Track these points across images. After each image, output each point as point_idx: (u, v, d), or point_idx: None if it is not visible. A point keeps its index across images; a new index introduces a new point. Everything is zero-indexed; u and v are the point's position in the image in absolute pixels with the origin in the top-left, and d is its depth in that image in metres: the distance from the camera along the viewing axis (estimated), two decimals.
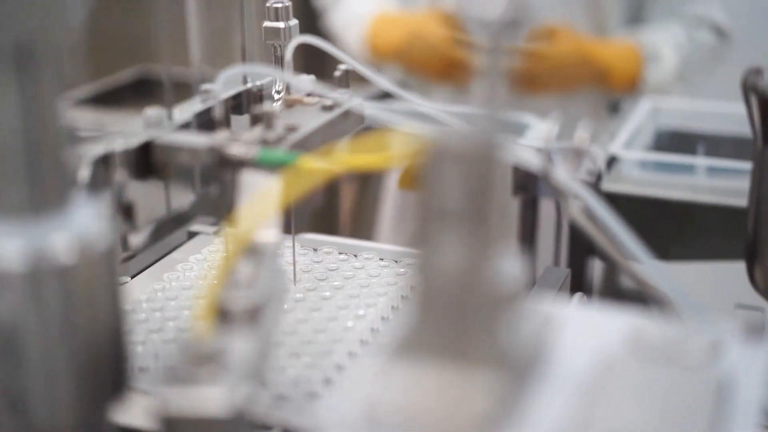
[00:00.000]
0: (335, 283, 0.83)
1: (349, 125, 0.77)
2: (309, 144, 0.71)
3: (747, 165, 1.10)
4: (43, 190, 0.51)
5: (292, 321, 0.77)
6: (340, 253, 0.90)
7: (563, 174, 0.64)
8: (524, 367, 0.46)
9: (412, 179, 1.06)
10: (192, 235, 0.96)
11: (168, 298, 0.82)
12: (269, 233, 0.59)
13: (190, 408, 0.48)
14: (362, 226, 1.70)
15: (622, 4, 1.63)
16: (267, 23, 0.79)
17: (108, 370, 0.55)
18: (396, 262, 0.88)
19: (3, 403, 0.51)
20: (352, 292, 0.82)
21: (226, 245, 0.58)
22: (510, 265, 0.46)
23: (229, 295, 0.54)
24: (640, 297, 1.30)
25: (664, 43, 1.59)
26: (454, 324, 0.45)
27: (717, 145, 1.20)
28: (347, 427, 0.44)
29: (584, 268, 1.09)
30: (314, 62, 0.94)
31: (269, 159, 0.63)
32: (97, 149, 0.64)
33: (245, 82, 0.79)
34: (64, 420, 0.52)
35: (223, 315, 0.54)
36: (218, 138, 0.65)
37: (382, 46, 1.68)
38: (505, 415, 0.44)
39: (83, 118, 1.30)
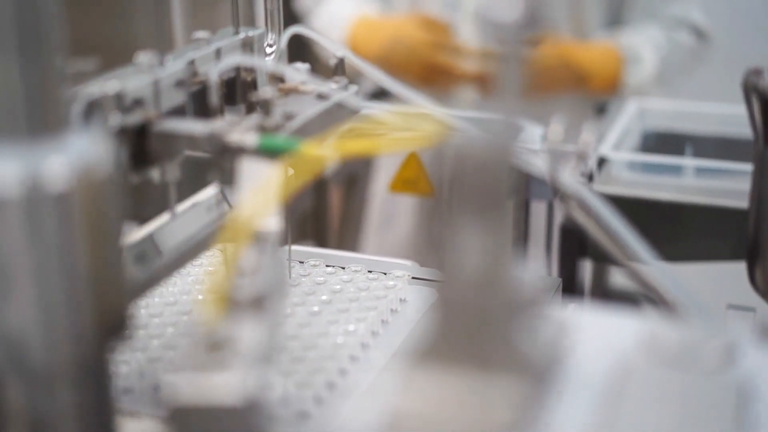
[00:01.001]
0: (323, 297, 0.81)
1: (345, 113, 0.76)
2: (307, 132, 0.69)
3: (736, 165, 1.10)
4: (40, 112, 0.49)
5: (281, 337, 0.75)
6: (327, 266, 0.87)
7: (568, 177, 0.64)
8: (544, 373, 0.46)
9: (404, 183, 1.06)
10: None
11: (167, 303, 0.80)
12: (271, 221, 0.58)
13: (201, 396, 0.47)
14: (348, 232, 1.69)
15: (601, 7, 1.63)
16: None
17: (107, 305, 0.52)
18: (385, 274, 0.85)
19: None
20: (341, 306, 0.80)
21: (229, 234, 0.57)
22: (527, 270, 0.45)
23: (235, 283, 0.53)
24: (630, 298, 1.30)
25: (643, 45, 1.59)
26: (475, 331, 0.44)
27: (704, 145, 1.20)
28: None
29: (575, 270, 1.09)
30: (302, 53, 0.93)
31: (270, 146, 0.62)
32: (90, 90, 0.62)
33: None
34: (61, 357, 0.50)
35: (230, 303, 0.52)
36: (217, 125, 0.63)
37: (363, 50, 1.67)
38: (529, 422, 0.43)
39: None
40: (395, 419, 0.44)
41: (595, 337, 0.52)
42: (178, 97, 0.70)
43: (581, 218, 0.63)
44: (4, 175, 0.48)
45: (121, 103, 0.63)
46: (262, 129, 0.65)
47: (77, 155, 0.50)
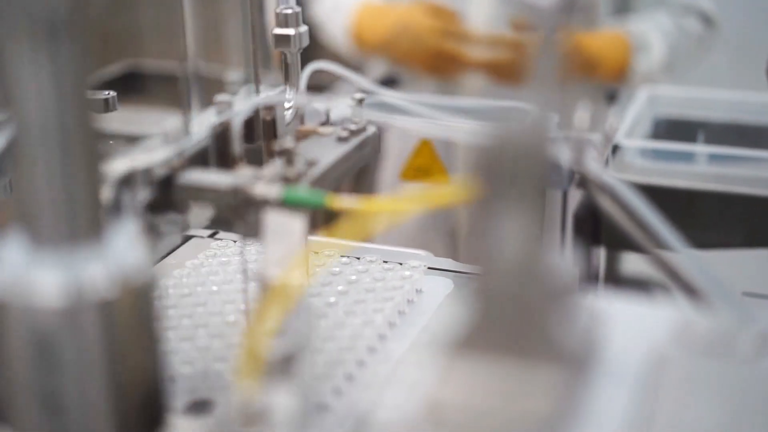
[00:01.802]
0: (339, 288, 0.80)
1: (365, 154, 0.75)
2: (328, 177, 0.68)
3: (750, 152, 1.10)
4: (78, 219, 0.50)
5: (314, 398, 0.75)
6: (342, 256, 0.87)
7: (594, 164, 0.63)
8: (581, 362, 0.45)
9: (416, 171, 1.05)
10: (187, 238, 0.93)
11: (167, 306, 0.79)
12: (295, 275, 0.58)
13: None
14: None
15: None
16: (277, 30, 0.76)
17: (146, 404, 0.53)
18: (400, 264, 0.84)
19: None
20: (358, 297, 0.79)
21: (260, 294, 0.57)
22: (562, 258, 0.45)
23: (266, 345, 0.53)
24: (642, 285, 1.29)
25: (652, 32, 1.58)
26: (514, 321, 0.43)
27: (715, 132, 1.19)
28: (409, 426, 0.43)
29: (589, 258, 1.08)
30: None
31: (295, 199, 0.61)
32: (119, 167, 0.62)
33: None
34: None
35: (263, 367, 0.53)
36: (241, 177, 0.63)
37: (368, 37, 1.66)
38: (568, 412, 0.42)
39: None
40: (434, 409, 0.43)
41: (626, 326, 0.51)
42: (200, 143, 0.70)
43: (607, 206, 0.62)
44: (46, 285, 0.49)
45: (150, 177, 0.63)
46: (285, 179, 0.64)
47: (117, 261, 0.50)
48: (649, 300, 0.54)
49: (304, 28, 0.77)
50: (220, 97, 0.71)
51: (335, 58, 1.84)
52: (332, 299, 0.79)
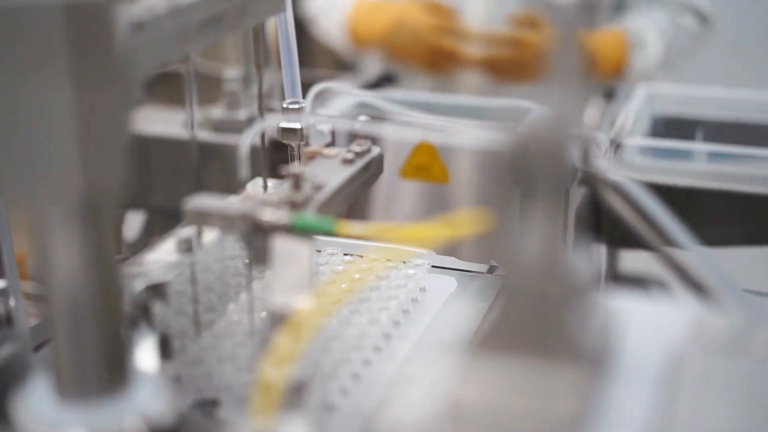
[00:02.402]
0: (343, 286, 0.81)
1: (369, 177, 0.75)
2: (335, 201, 0.68)
3: (750, 150, 1.09)
4: (104, 373, 0.52)
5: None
6: (344, 254, 0.86)
7: (603, 162, 0.63)
8: (600, 361, 0.45)
9: (415, 169, 1.04)
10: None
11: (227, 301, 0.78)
12: (303, 301, 0.58)
13: None
14: (353, 218, 1.68)
15: None
16: (284, 123, 0.77)
17: None
18: (404, 262, 0.84)
19: None
20: (362, 295, 0.78)
21: (271, 323, 0.57)
22: (581, 256, 0.44)
23: (282, 379, 0.53)
24: (640, 282, 1.29)
25: (648, 30, 1.58)
26: (536, 319, 0.43)
27: (713, 130, 1.19)
28: (431, 425, 0.42)
29: (590, 254, 1.08)
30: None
31: (304, 225, 0.61)
32: (137, 285, 0.65)
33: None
34: None
35: (278, 400, 0.53)
36: (249, 204, 0.63)
37: (364, 33, 1.65)
38: (591, 411, 0.42)
39: None
40: (456, 408, 0.43)
41: (641, 325, 0.51)
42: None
43: (616, 203, 0.62)
44: None
45: (163, 293, 0.66)
46: (292, 203, 0.64)
47: (143, 411, 0.52)
48: (663, 298, 0.54)
49: (310, 121, 0.78)
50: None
51: (327, 55, 1.83)
52: (337, 298, 0.78)
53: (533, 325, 0.43)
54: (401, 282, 0.81)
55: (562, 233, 0.43)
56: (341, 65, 1.83)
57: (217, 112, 1.19)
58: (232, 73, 1.22)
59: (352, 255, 0.86)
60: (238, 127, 1.18)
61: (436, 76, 1.59)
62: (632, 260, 1.28)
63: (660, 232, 0.60)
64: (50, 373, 0.53)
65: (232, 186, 0.95)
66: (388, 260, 0.85)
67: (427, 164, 1.06)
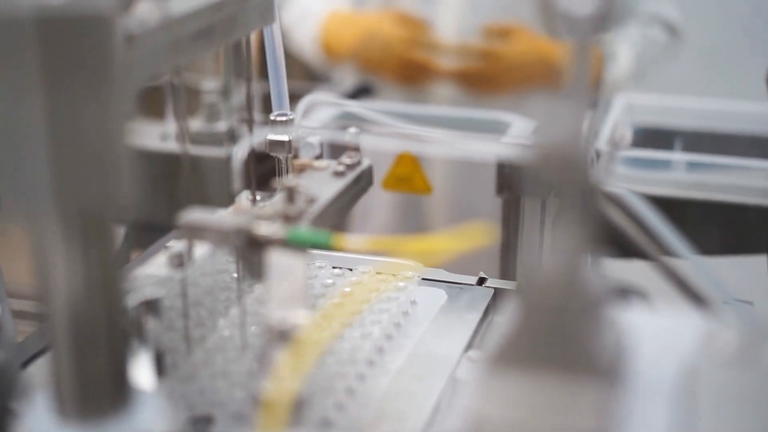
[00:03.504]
0: (335, 300, 0.79)
1: (359, 189, 0.74)
2: (328, 213, 0.68)
3: (728, 160, 1.10)
4: (104, 393, 0.51)
5: None
6: (333, 267, 0.85)
7: (600, 173, 0.62)
8: (618, 376, 0.44)
9: (397, 181, 1.03)
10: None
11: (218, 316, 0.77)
12: (299, 315, 0.58)
13: None
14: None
15: None
16: (271, 136, 0.76)
17: None
18: (394, 276, 0.83)
19: None
20: (354, 308, 0.77)
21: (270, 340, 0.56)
22: (597, 270, 0.44)
23: (289, 398, 0.52)
24: (622, 292, 1.29)
25: (618, 42, 1.59)
26: (556, 334, 0.42)
27: (692, 140, 1.19)
28: None
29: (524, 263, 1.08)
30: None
31: (300, 239, 0.60)
32: (129, 301, 0.64)
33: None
34: None
35: (286, 419, 0.52)
36: (244, 218, 0.62)
37: (336, 45, 1.65)
38: (610, 426, 0.42)
39: None
40: (477, 424, 0.42)
41: (652, 338, 0.51)
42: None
43: (612, 213, 0.62)
44: None
45: (156, 309, 0.66)
46: (286, 217, 0.63)
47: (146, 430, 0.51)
48: (670, 310, 0.53)
49: (295, 134, 0.77)
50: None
51: (300, 67, 1.82)
52: (329, 312, 0.77)
53: (553, 341, 0.42)
54: (392, 295, 0.80)
55: (582, 247, 0.42)
56: (315, 77, 1.83)
57: (196, 124, 1.18)
58: (210, 84, 1.21)
59: (341, 268, 0.85)
60: (217, 139, 1.16)
61: (408, 87, 1.58)
62: (615, 270, 1.28)
63: (657, 242, 0.60)
64: (50, 391, 0.51)
65: (213, 198, 0.94)
66: (378, 273, 0.84)
67: (409, 175, 1.05)
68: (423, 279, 0.85)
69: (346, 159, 0.74)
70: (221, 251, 0.76)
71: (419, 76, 1.56)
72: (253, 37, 0.82)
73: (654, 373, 0.48)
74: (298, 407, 0.54)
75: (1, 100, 0.45)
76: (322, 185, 0.70)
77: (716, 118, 1.22)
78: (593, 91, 1.56)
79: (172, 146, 1.18)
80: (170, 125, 1.20)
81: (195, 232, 0.62)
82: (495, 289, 0.84)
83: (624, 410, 0.44)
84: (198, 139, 1.16)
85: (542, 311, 0.43)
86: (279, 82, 0.78)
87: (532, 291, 0.43)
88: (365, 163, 0.75)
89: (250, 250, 0.61)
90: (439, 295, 0.83)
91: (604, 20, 0.41)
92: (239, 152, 0.70)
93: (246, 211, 0.64)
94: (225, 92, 1.21)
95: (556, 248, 0.42)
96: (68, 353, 0.50)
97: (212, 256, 0.77)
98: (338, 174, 0.72)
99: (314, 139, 0.77)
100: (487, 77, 1.54)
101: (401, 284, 0.82)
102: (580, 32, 0.41)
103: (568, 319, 0.42)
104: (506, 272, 1.11)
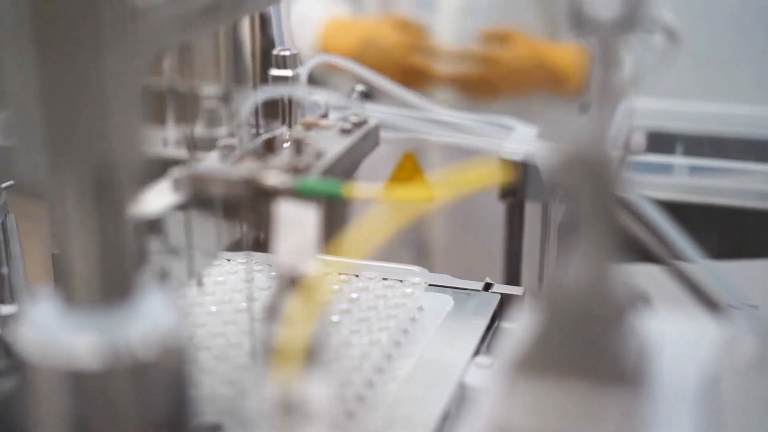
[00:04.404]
0: (342, 306, 0.78)
1: (367, 146, 0.73)
2: (334, 169, 0.66)
3: (730, 164, 1.10)
4: (116, 280, 0.48)
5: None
6: (339, 273, 0.84)
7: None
8: (643, 383, 0.43)
9: (398, 189, 1.02)
10: None
11: (225, 321, 0.76)
12: (312, 265, 0.56)
13: None
14: (331, 235, 1.66)
15: None
16: (275, 71, 0.75)
17: None
18: (401, 281, 0.83)
19: None
20: (361, 315, 0.76)
21: (282, 285, 0.55)
22: (622, 275, 0.43)
23: (303, 336, 0.51)
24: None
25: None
26: (582, 341, 0.41)
27: (693, 144, 1.19)
28: None
29: (548, 270, 1.07)
30: None
31: (310, 189, 0.59)
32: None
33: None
34: None
35: (301, 357, 0.51)
36: (252, 168, 0.61)
37: (335, 51, 1.64)
38: None
39: None
40: (501, 431, 0.41)
41: (672, 343, 0.50)
42: None
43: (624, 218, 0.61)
44: (82, 347, 0.47)
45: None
46: (294, 169, 0.62)
47: (153, 323, 0.49)
48: (688, 316, 0.53)
49: (302, 70, 0.76)
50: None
51: None
52: (335, 318, 0.76)
53: (579, 347, 0.42)
54: (399, 301, 0.79)
55: (609, 254, 0.41)
56: (313, 82, 1.81)
57: (196, 129, 1.17)
58: (210, 90, 1.20)
59: (347, 274, 0.84)
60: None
61: (409, 89, 1.57)
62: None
63: (666, 245, 0.59)
64: (57, 281, 0.50)
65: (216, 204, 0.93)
66: (384, 279, 0.83)
67: (412, 180, 1.04)
68: (430, 285, 0.84)
69: (352, 117, 0.73)
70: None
71: (418, 82, 1.55)
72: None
73: (675, 379, 0.47)
74: (312, 352, 0.52)
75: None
76: (329, 142, 0.69)
77: (716, 121, 1.22)
78: (586, 95, 1.56)
79: (172, 152, 1.17)
80: (171, 131, 1.19)
81: (202, 184, 0.61)
82: (501, 294, 0.83)
83: (649, 417, 0.43)
84: (198, 144, 1.15)
85: (568, 318, 0.42)
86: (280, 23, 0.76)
87: (558, 298, 0.42)
88: (372, 121, 0.74)
89: (259, 201, 0.60)
90: (446, 300, 0.82)
91: (629, 23, 0.40)
92: (250, 102, 0.69)
93: (253, 161, 0.63)
94: (225, 98, 1.20)
95: (581, 255, 0.41)
96: (76, 235, 0.47)
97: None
98: (345, 131, 0.72)
99: (320, 98, 0.76)
100: (485, 82, 1.54)
101: (408, 290, 0.81)
102: (605, 36, 0.40)
103: (595, 325, 0.41)
104: (510, 277, 1.10)
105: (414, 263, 1.53)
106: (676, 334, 0.50)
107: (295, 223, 0.57)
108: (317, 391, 0.49)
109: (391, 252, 1.63)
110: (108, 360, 0.47)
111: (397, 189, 0.57)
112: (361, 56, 1.57)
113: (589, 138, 0.40)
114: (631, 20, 0.40)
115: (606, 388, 0.41)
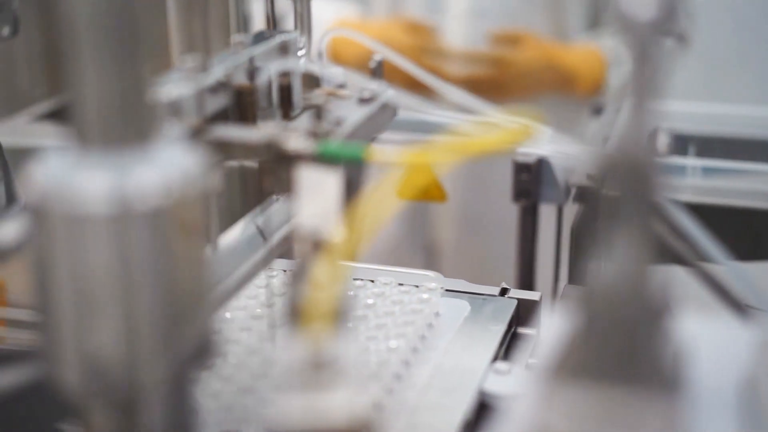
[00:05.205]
0: (358, 312, 0.76)
1: (384, 118, 0.72)
2: (354, 137, 0.65)
3: (745, 165, 1.07)
4: (134, 120, 0.44)
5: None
6: (355, 279, 0.83)
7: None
8: (682, 387, 0.41)
9: (411, 189, 1.00)
10: None
11: (242, 328, 0.74)
12: (336, 230, 0.54)
13: (313, 418, 0.45)
14: None
15: (582, 9, 1.60)
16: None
17: (194, 326, 0.47)
18: (416, 287, 0.81)
19: (80, 359, 0.44)
20: (378, 321, 0.75)
21: (307, 249, 0.53)
22: (662, 277, 0.41)
23: (332, 297, 0.49)
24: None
25: (624, 48, 1.56)
26: (622, 344, 0.39)
27: (705, 145, 1.16)
28: None
29: (587, 273, 1.05)
30: None
31: (331, 153, 0.57)
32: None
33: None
34: (146, 379, 0.45)
35: (330, 317, 0.49)
36: (273, 132, 0.59)
37: (344, 53, 1.62)
38: None
39: (43, 133, 1.22)
40: None
41: (707, 347, 0.48)
42: (212, 104, 0.64)
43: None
44: (93, 188, 0.43)
45: (177, 110, 0.58)
46: (314, 135, 0.60)
47: (169, 168, 0.45)
48: (719, 318, 0.50)
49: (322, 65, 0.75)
50: (237, 38, 0.68)
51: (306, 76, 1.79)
52: (351, 324, 0.74)
53: (619, 351, 0.40)
54: (416, 307, 0.77)
55: (649, 256, 0.40)
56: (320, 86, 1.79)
57: None
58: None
59: (362, 279, 0.82)
60: None
61: (417, 95, 1.55)
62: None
63: (693, 247, 0.57)
64: (71, 122, 0.45)
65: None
66: (400, 284, 0.81)
67: (426, 184, 1.02)
68: (448, 290, 0.82)
69: (371, 86, 0.71)
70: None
71: (424, 84, 1.52)
72: None
73: (713, 384, 0.45)
74: (339, 313, 0.50)
75: None
76: (348, 111, 0.67)
77: (728, 123, 1.19)
78: (595, 96, 1.54)
79: None
80: None
81: (223, 148, 0.59)
82: (518, 299, 0.81)
83: (690, 422, 0.41)
84: None
85: (607, 321, 0.40)
86: None
87: (597, 301, 0.40)
88: (390, 92, 0.72)
89: (279, 166, 0.58)
90: (463, 306, 0.80)
91: (667, 25, 0.38)
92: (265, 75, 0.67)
93: (275, 126, 0.61)
94: None
95: (620, 257, 0.39)
96: (91, 66, 0.43)
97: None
98: (364, 101, 0.70)
99: (337, 70, 0.74)
100: (495, 84, 1.51)
101: (425, 296, 0.78)
102: (642, 37, 0.38)
103: (635, 329, 0.39)
104: (524, 280, 1.08)
105: (424, 266, 1.52)
106: (709, 338, 0.48)
107: (317, 188, 0.56)
108: (345, 349, 0.48)
109: (400, 255, 1.61)
110: (118, 203, 0.42)
111: (422, 151, 0.55)
112: (367, 59, 1.55)
113: (632, 140, 0.38)
114: (668, 21, 0.38)
115: (646, 393, 0.39)
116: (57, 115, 1.68)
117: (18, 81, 1.41)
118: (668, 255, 0.69)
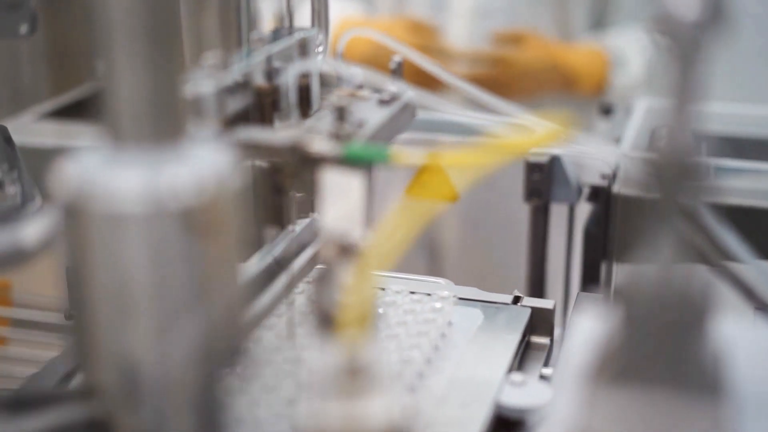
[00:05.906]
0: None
1: (405, 119, 0.70)
2: (378, 139, 0.63)
3: (758, 165, 1.04)
4: (167, 120, 0.43)
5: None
6: None
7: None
8: (722, 388, 0.39)
9: (421, 188, 0.96)
10: None
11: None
12: (362, 234, 0.53)
13: (349, 424, 0.44)
14: None
15: (586, 9, 1.57)
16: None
17: (225, 327, 0.46)
18: (428, 295, 0.78)
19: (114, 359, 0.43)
20: (390, 332, 0.72)
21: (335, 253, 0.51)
22: (703, 279, 0.39)
23: (370, 301, 0.48)
24: None
25: (629, 47, 1.53)
26: (662, 346, 0.37)
27: (717, 145, 1.13)
28: None
29: (598, 273, 1.02)
30: None
31: (356, 155, 0.55)
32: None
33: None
34: (177, 380, 0.44)
35: (368, 322, 0.47)
36: (298, 134, 0.57)
37: (348, 53, 1.59)
38: None
39: (47, 132, 1.19)
40: None
41: (745, 349, 0.45)
42: (233, 104, 0.62)
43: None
44: (127, 188, 0.42)
45: (199, 109, 0.56)
46: (336, 137, 0.58)
47: (202, 166, 0.43)
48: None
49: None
50: (256, 34, 0.66)
51: None
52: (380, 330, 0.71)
53: (663, 354, 0.37)
54: (429, 317, 0.74)
55: (691, 258, 0.37)
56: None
57: None
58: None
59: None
60: None
61: (420, 94, 1.52)
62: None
63: (717, 246, 0.54)
64: (104, 122, 0.44)
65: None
66: (412, 293, 0.77)
67: (437, 182, 0.98)
68: (461, 299, 0.78)
69: (390, 87, 0.70)
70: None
71: (431, 83, 1.49)
72: None
73: (754, 386, 0.42)
74: (374, 319, 0.48)
75: None
76: (369, 113, 0.66)
77: (737, 122, 1.16)
78: (599, 96, 1.51)
79: None
80: None
81: (249, 150, 0.57)
82: (532, 308, 0.77)
83: (733, 425, 0.38)
84: None
85: (652, 324, 0.37)
86: None
87: (641, 304, 0.37)
88: (409, 93, 0.71)
89: (304, 168, 0.57)
90: (476, 315, 0.77)
91: (711, 26, 0.35)
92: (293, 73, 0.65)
93: (298, 128, 0.60)
94: None
95: (661, 260, 0.36)
96: (126, 66, 0.42)
97: None
98: (384, 102, 0.68)
99: (356, 70, 0.71)
100: (498, 83, 1.48)
101: (437, 305, 0.75)
102: (686, 38, 0.35)
103: (680, 331, 0.37)
104: (534, 282, 1.04)
105: (428, 267, 1.48)
106: (747, 340, 0.46)
107: (341, 190, 0.55)
108: (379, 354, 0.47)
109: (404, 255, 1.57)
110: (152, 202, 0.41)
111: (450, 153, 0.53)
112: (374, 58, 1.52)
113: (676, 141, 0.35)
114: (712, 22, 0.35)
115: (690, 396, 0.37)
116: (59, 114, 1.64)
117: (22, 80, 1.38)
118: (693, 254, 0.66)
